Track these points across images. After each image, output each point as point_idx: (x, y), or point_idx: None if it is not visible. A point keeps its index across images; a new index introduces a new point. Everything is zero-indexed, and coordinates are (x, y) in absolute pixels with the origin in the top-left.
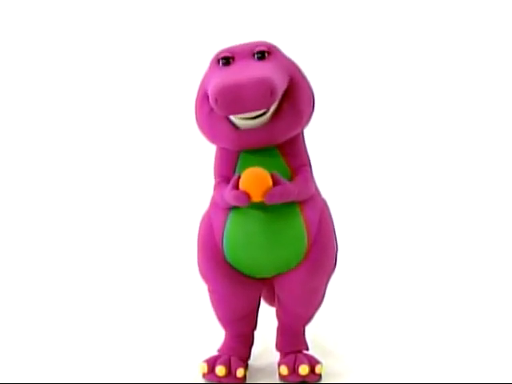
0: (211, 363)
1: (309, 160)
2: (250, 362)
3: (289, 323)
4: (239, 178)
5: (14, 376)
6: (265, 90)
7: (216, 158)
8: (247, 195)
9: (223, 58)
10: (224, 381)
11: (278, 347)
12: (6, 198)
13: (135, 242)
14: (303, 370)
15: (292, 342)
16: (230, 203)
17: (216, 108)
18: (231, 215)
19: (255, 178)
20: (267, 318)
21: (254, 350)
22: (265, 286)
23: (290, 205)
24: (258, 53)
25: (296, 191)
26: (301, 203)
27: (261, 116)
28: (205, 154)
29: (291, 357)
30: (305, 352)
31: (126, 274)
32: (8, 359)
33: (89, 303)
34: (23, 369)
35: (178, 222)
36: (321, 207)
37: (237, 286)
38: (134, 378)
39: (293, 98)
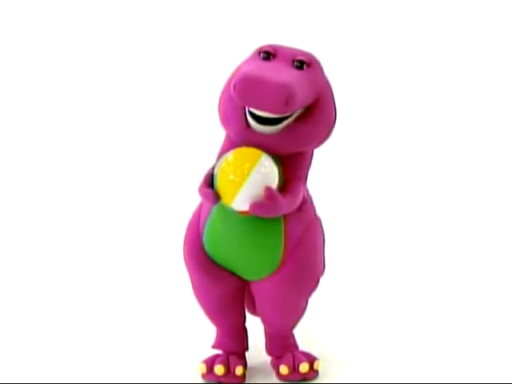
0: (210, 363)
1: (306, 175)
2: (249, 361)
3: (272, 329)
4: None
5: (13, 376)
6: (280, 95)
7: (222, 143)
8: (217, 196)
9: (265, 52)
10: (223, 380)
11: (269, 351)
12: (5, 197)
13: (132, 241)
14: (303, 367)
15: (281, 346)
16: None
17: (232, 94)
18: (215, 209)
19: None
20: None
21: (254, 349)
22: (244, 286)
23: None
24: (297, 61)
25: (284, 208)
26: (285, 214)
27: (273, 123)
28: (201, 149)
29: (289, 356)
30: (299, 350)
31: (124, 274)
32: (8, 359)
33: (86, 303)
34: (21, 369)
35: (177, 219)
36: (309, 223)
37: (211, 276)
38: (134, 379)
39: (312, 118)
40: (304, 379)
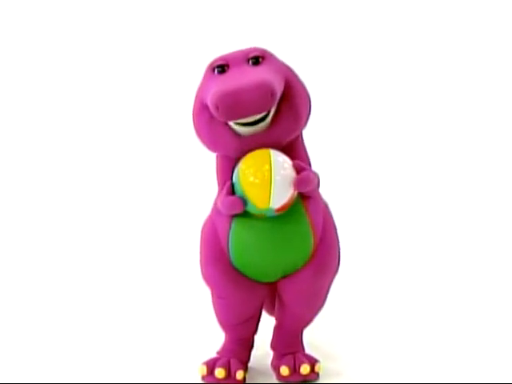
0: (211, 365)
1: (309, 161)
2: (250, 364)
3: (289, 325)
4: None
5: (13, 376)
6: (264, 92)
7: (217, 166)
8: (244, 202)
9: (218, 66)
10: (223, 382)
11: (274, 346)
12: (6, 198)
13: (136, 245)
14: (304, 369)
15: (289, 343)
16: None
17: (217, 115)
18: (235, 220)
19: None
20: (267, 320)
21: (254, 352)
22: (269, 289)
23: (295, 204)
24: (252, 58)
25: (316, 176)
26: (305, 203)
27: (261, 121)
28: (204, 158)
29: (290, 357)
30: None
31: (127, 277)
32: (8, 359)
33: (89, 305)
34: (23, 369)
35: (178, 225)
36: (323, 208)
37: (243, 290)
38: (134, 380)
39: (290, 101)
40: (304, 381)
